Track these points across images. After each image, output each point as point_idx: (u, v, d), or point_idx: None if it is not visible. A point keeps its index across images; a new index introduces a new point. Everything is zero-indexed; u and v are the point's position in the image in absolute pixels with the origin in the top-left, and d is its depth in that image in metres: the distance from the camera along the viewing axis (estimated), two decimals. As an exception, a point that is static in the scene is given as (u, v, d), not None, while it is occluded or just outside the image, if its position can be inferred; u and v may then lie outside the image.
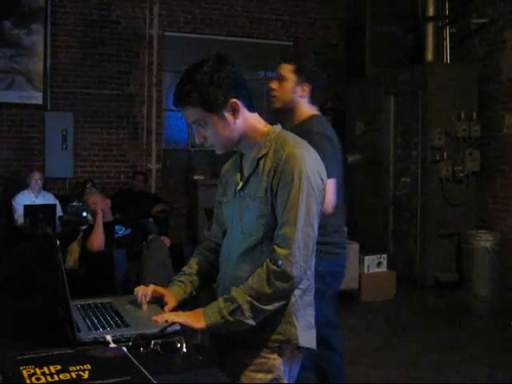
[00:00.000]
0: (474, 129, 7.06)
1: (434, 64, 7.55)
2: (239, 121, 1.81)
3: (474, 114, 7.10)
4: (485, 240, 6.67)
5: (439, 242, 7.02)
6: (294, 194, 1.72)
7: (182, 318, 1.73)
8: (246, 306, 1.71)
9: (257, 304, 1.71)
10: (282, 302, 1.75)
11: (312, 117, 2.82)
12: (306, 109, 2.84)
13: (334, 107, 8.87)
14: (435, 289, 6.83)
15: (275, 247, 1.74)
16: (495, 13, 7.24)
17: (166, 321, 1.69)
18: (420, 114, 7.13)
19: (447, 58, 7.74)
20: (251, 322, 1.72)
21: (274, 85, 2.86)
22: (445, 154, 7.01)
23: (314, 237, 1.76)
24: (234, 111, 1.79)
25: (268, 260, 1.74)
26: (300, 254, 1.72)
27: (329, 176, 2.39)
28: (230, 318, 1.71)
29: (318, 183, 1.76)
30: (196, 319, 1.73)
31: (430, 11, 7.70)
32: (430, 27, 7.69)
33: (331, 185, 2.54)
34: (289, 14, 8.73)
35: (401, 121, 7.53)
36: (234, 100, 1.78)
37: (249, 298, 1.71)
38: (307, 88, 2.82)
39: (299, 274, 1.73)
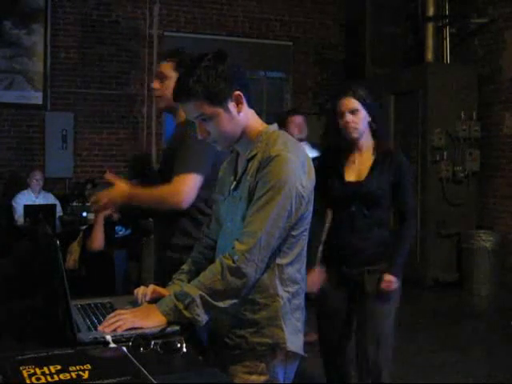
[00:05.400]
0: (474, 129, 7.07)
1: (433, 64, 7.55)
2: (242, 114, 1.80)
3: (474, 113, 7.11)
4: (485, 240, 6.67)
5: (439, 241, 7.02)
6: (270, 194, 1.70)
7: (130, 321, 1.67)
8: (198, 300, 1.68)
9: (209, 299, 1.68)
10: (234, 301, 1.72)
11: None
12: None
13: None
14: (435, 289, 6.83)
15: (236, 242, 1.72)
16: (495, 13, 7.24)
17: (115, 330, 1.64)
18: (420, 114, 7.13)
19: (447, 58, 7.74)
20: (203, 318, 1.70)
21: (155, 84, 2.74)
22: (445, 154, 7.01)
23: (279, 238, 1.73)
24: (238, 104, 1.78)
25: (223, 256, 1.73)
26: (259, 252, 1.70)
27: (193, 171, 2.47)
28: (187, 314, 1.68)
29: (297, 188, 1.73)
30: (146, 318, 1.69)
31: (430, 11, 7.71)
32: (430, 27, 7.70)
33: (192, 179, 2.48)
34: (289, 14, 8.73)
35: (401, 121, 7.54)
36: (238, 92, 1.77)
37: (201, 293, 1.69)
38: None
39: (253, 272, 1.70)
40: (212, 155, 2.51)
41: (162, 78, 2.72)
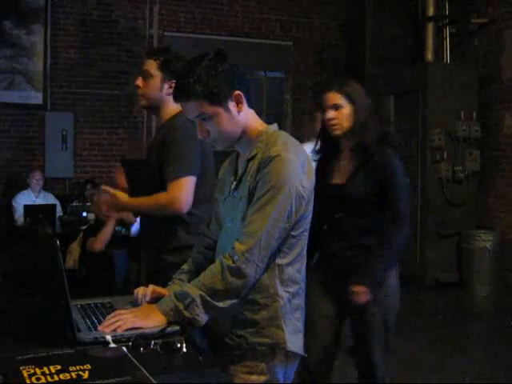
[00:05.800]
0: (474, 129, 7.07)
1: (433, 64, 7.55)
2: (242, 114, 1.80)
3: (474, 113, 7.11)
4: (485, 240, 6.66)
5: (439, 241, 7.02)
6: (270, 194, 1.70)
7: (130, 321, 1.67)
8: (198, 300, 1.68)
9: (209, 299, 1.68)
10: (234, 301, 1.71)
11: (179, 114, 2.52)
12: (173, 106, 2.52)
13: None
14: (435, 289, 6.83)
15: (236, 242, 1.72)
16: (495, 13, 7.24)
17: (115, 330, 1.63)
18: (420, 114, 7.13)
19: (447, 58, 7.74)
20: (203, 318, 1.69)
21: (139, 82, 2.68)
22: (445, 154, 7.01)
23: (279, 238, 1.73)
24: (238, 104, 1.78)
25: (223, 256, 1.73)
26: (259, 253, 1.70)
27: (187, 173, 2.45)
28: (187, 314, 1.68)
29: (297, 188, 1.73)
30: (146, 318, 1.69)
31: (430, 11, 7.71)
32: (430, 27, 7.70)
33: (187, 182, 2.47)
34: (289, 14, 8.73)
35: (401, 121, 7.53)
36: (238, 92, 1.77)
37: (201, 293, 1.69)
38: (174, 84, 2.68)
39: (253, 273, 1.70)
40: (199, 153, 2.51)
41: (146, 75, 2.67)
